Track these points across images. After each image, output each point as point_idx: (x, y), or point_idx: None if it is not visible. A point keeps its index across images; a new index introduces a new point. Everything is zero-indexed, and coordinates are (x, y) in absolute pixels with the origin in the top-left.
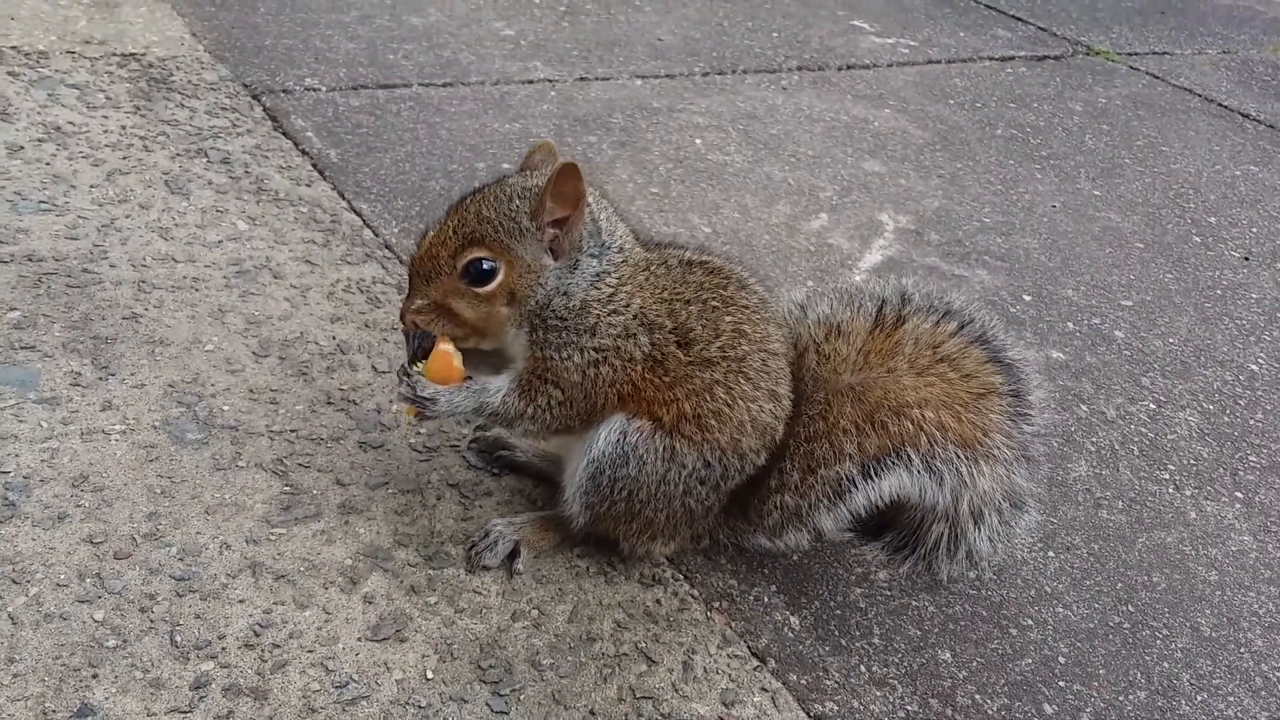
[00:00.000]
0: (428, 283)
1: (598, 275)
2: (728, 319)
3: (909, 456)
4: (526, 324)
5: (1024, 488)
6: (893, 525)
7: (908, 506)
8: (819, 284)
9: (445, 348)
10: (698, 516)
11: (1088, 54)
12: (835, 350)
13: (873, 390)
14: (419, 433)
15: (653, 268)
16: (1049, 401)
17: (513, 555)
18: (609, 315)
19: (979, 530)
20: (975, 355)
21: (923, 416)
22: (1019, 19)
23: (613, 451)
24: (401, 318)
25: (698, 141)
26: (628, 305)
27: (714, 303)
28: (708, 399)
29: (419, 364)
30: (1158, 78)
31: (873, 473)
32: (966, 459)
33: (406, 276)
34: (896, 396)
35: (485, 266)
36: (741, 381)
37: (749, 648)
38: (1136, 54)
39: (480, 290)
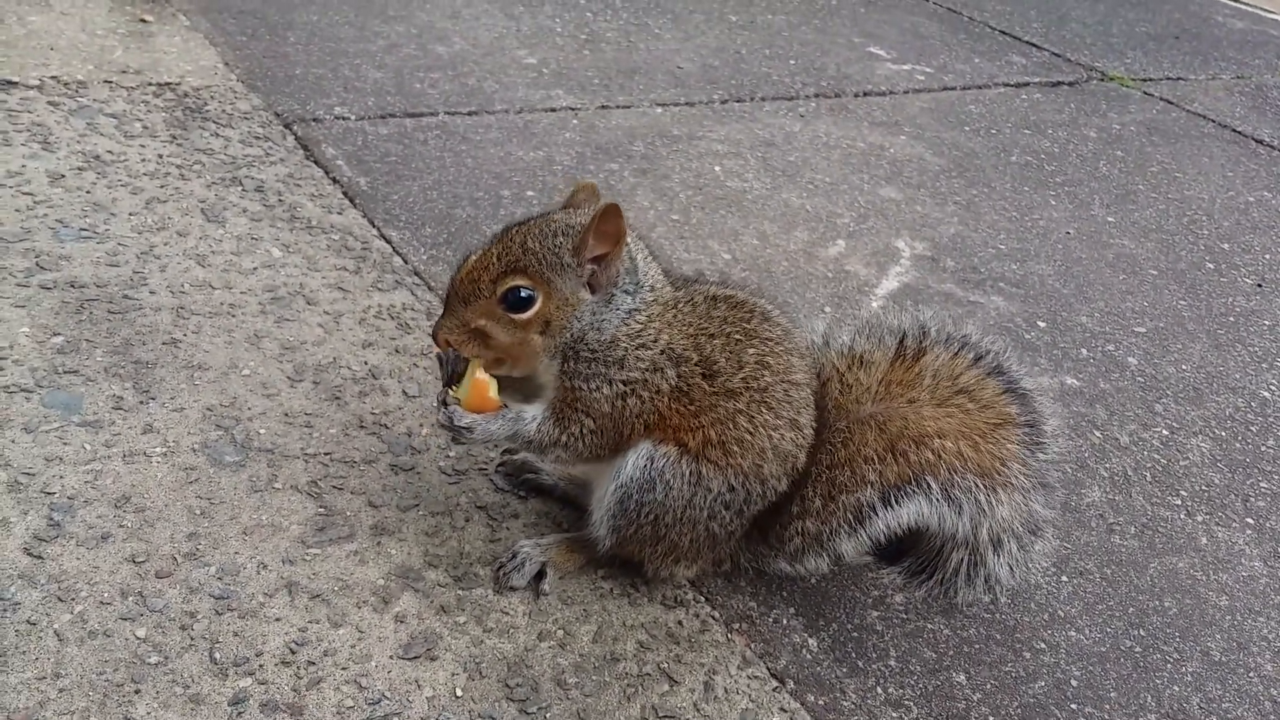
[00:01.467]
0: (465, 305)
1: (630, 312)
2: (750, 351)
3: (929, 485)
4: (559, 355)
5: (1042, 515)
6: (911, 551)
7: (927, 534)
8: (837, 310)
9: (482, 377)
10: (720, 540)
11: (1102, 80)
12: (858, 380)
13: (894, 420)
14: (448, 456)
15: (680, 305)
16: (1063, 430)
17: (539, 576)
18: (637, 349)
19: (998, 557)
20: (992, 386)
21: (942, 446)
22: (1034, 45)
23: (640, 476)
24: (433, 336)
25: (717, 169)
26: (655, 340)
27: (737, 335)
28: (731, 427)
29: (453, 388)
30: (1172, 103)
31: (893, 500)
32: (985, 488)
33: (444, 297)
34: (917, 426)
35: (524, 294)
36: (764, 410)
37: (768, 669)
38: (1151, 80)
39: (517, 317)
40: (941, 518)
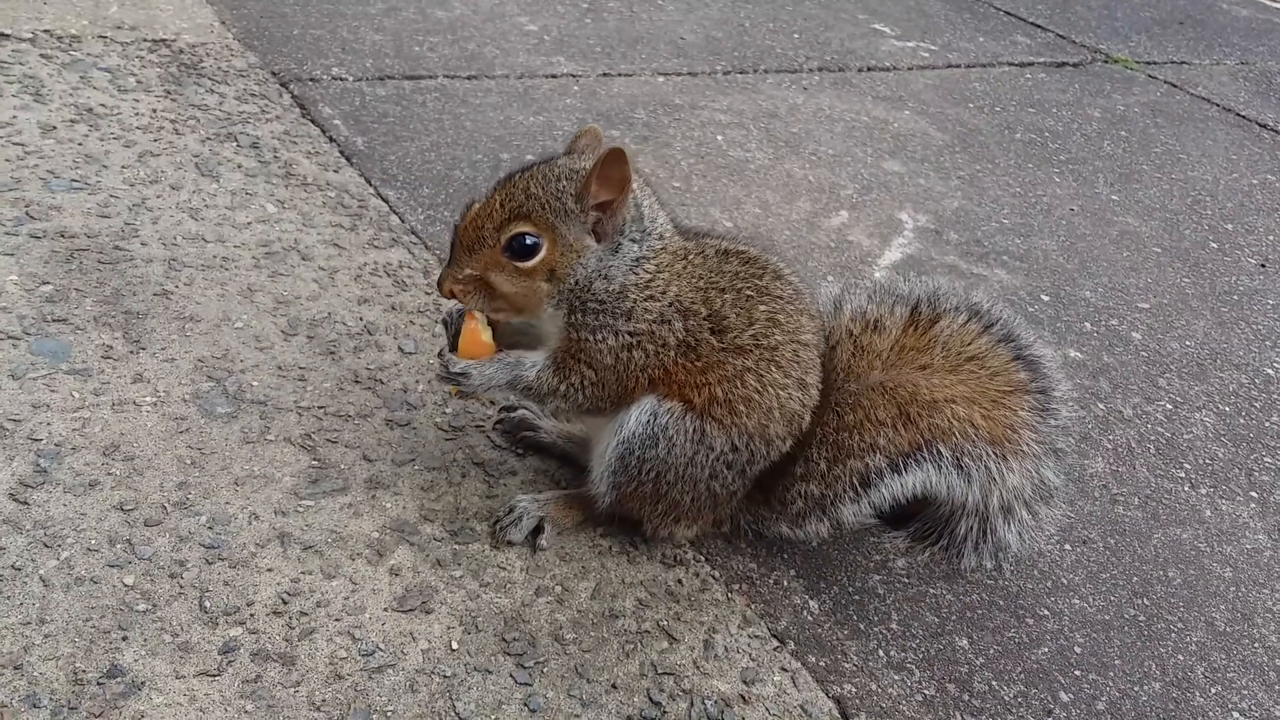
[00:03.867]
0: (470, 253)
1: (637, 260)
2: (761, 308)
3: (940, 452)
4: (565, 303)
5: (1053, 482)
6: (918, 516)
7: (935, 501)
8: (841, 279)
9: (472, 323)
10: (721, 501)
11: (1106, 62)
12: (871, 344)
13: (906, 385)
14: (444, 412)
15: (690, 256)
16: (1072, 397)
17: (537, 531)
18: (645, 300)
19: (1009, 525)
20: (1002, 354)
21: (954, 413)
22: (1038, 26)
23: (643, 432)
24: (439, 284)
25: (719, 138)
26: (664, 292)
27: (748, 291)
28: (739, 385)
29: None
30: (1176, 86)
31: (901, 467)
32: (995, 456)
33: (449, 245)
34: (929, 392)
35: (529, 241)
36: (772, 369)
37: (769, 629)
38: (1155, 63)
39: (521, 265)
40: (950, 487)
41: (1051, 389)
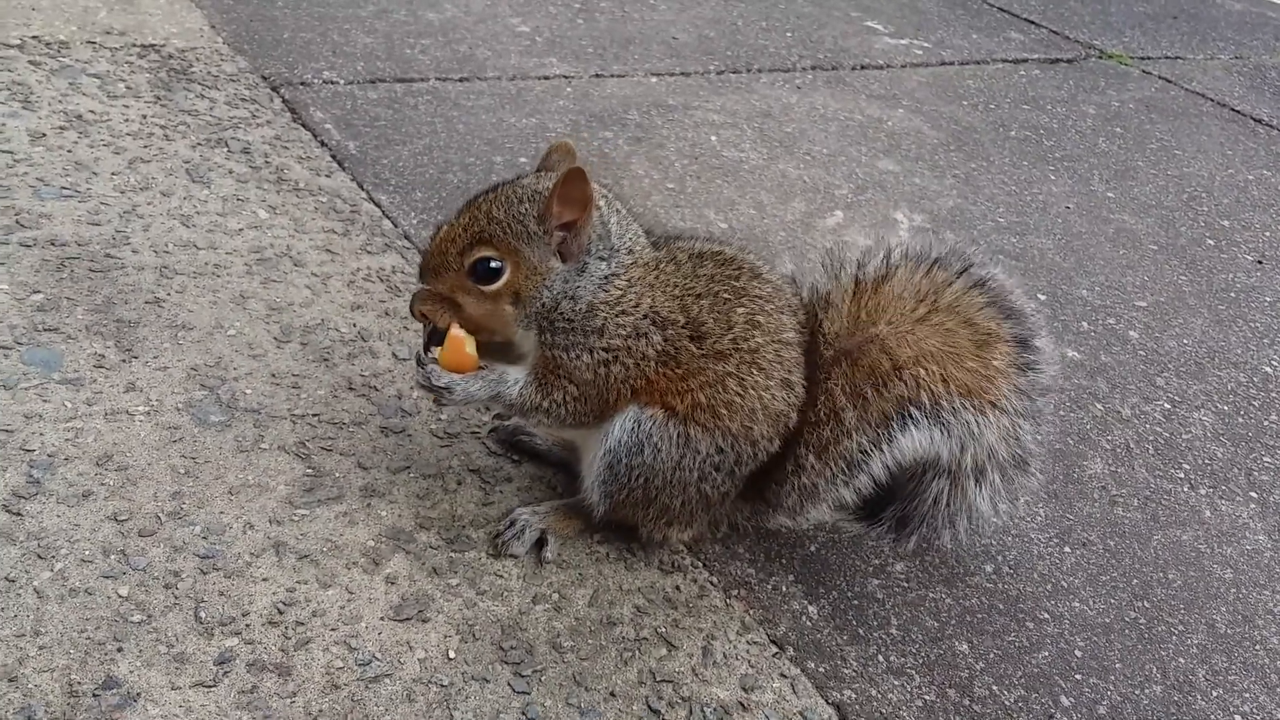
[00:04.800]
0: (437, 277)
1: (606, 278)
2: (740, 310)
3: (914, 416)
4: (534, 324)
5: (1029, 447)
6: (894, 498)
7: (912, 467)
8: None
9: (458, 334)
10: (714, 502)
11: (1100, 58)
12: (829, 322)
13: (866, 354)
14: (439, 419)
15: (662, 265)
16: (1056, 355)
17: (539, 543)
18: (616, 317)
19: (980, 489)
20: (974, 301)
21: (922, 372)
22: (1031, 22)
23: (628, 440)
24: (410, 308)
25: (713, 139)
26: (636, 305)
27: (725, 294)
28: (720, 390)
29: (434, 350)
30: (1170, 82)
31: (882, 438)
32: (973, 408)
33: (418, 269)
34: (891, 356)
35: (492, 265)
36: (754, 372)
37: (768, 635)
38: (1149, 58)
39: (485, 289)
40: (932, 439)
41: (1031, 338)
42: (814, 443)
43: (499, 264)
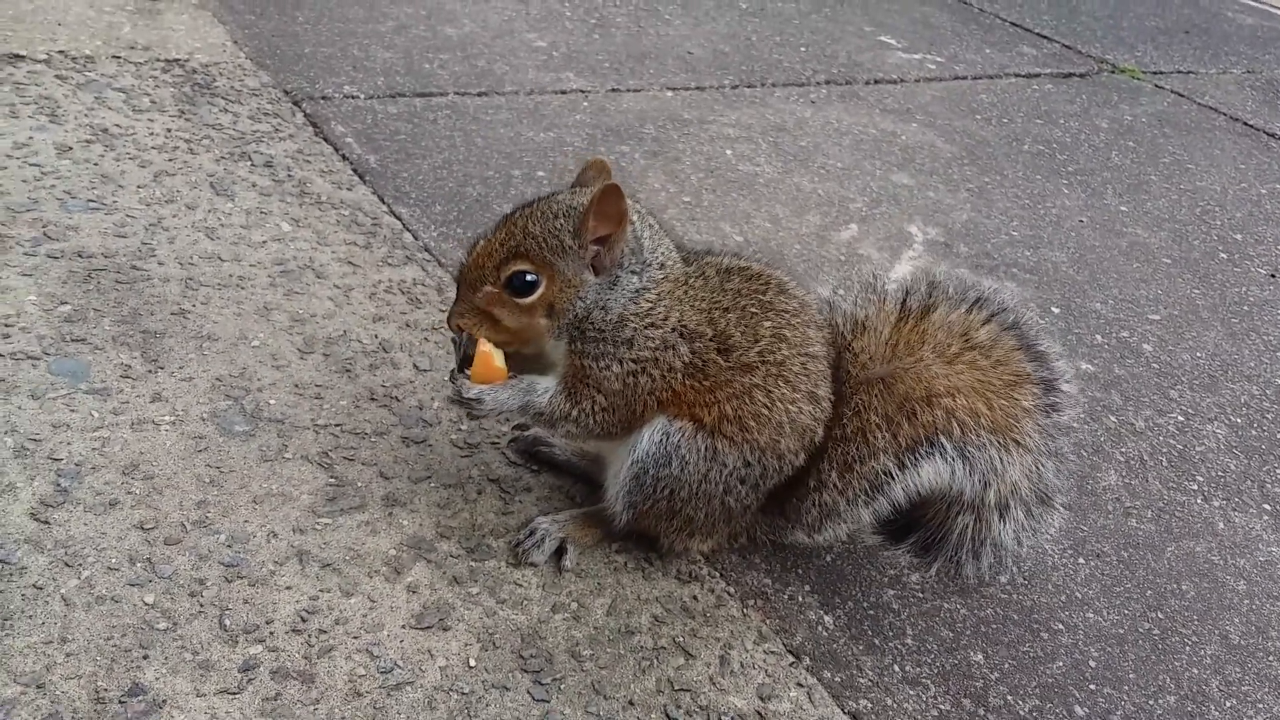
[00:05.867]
0: (474, 290)
1: (637, 291)
2: (766, 324)
3: (943, 445)
4: (565, 335)
5: (1052, 483)
6: (918, 525)
7: (936, 500)
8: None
9: (485, 348)
10: (736, 515)
11: (1113, 72)
12: (864, 346)
13: (902, 380)
14: (460, 429)
15: (691, 280)
16: (1080, 395)
17: (558, 552)
18: (646, 329)
19: (1004, 524)
20: (1007, 343)
21: (954, 404)
22: (1044, 37)
23: (656, 451)
24: (448, 321)
25: (728, 152)
26: (665, 319)
27: (752, 308)
28: (748, 401)
29: (466, 370)
30: (1183, 96)
31: (908, 463)
32: (998, 444)
33: (455, 282)
34: (927, 385)
35: (528, 279)
36: (781, 384)
37: (784, 644)
38: (1161, 73)
39: (521, 301)
40: (954, 473)
41: (1057, 382)
42: (839, 459)
43: (535, 277)
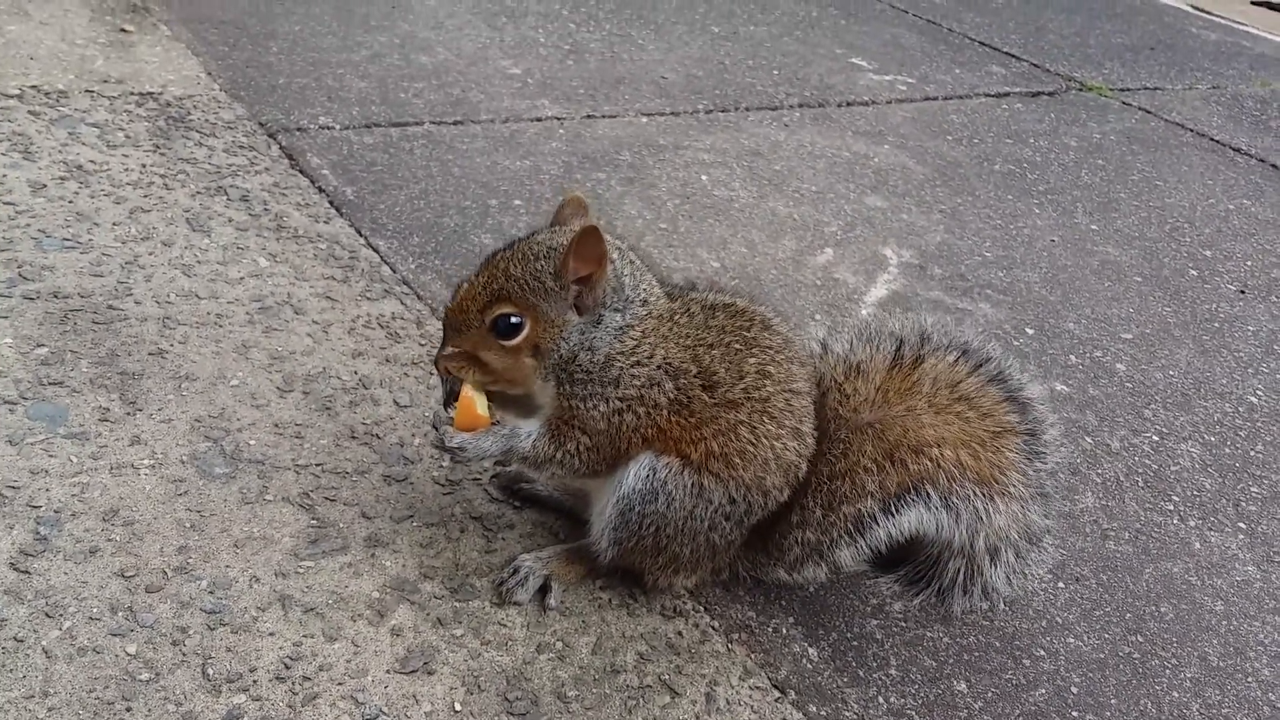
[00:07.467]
0: (459, 334)
1: (621, 329)
2: (751, 360)
3: (928, 493)
4: (552, 375)
5: (1039, 524)
6: (908, 559)
7: (925, 542)
8: (827, 318)
9: (468, 394)
10: (720, 550)
11: (1081, 90)
12: (855, 389)
13: (892, 428)
14: (441, 466)
15: (676, 317)
16: (1062, 440)
17: (543, 590)
18: (632, 367)
19: (995, 567)
20: (992, 394)
21: (941, 455)
22: (1013, 56)
23: (643, 488)
24: (435, 364)
25: (704, 178)
26: (650, 356)
27: (736, 345)
28: (733, 438)
29: (451, 408)
30: (1150, 112)
31: (893, 509)
32: (983, 495)
33: (441, 326)
34: (916, 435)
35: (512, 321)
36: (766, 421)
37: (769, 679)
38: (1128, 90)
39: (506, 343)
40: (940, 525)
41: (1041, 431)
42: (824, 496)
43: (519, 319)
